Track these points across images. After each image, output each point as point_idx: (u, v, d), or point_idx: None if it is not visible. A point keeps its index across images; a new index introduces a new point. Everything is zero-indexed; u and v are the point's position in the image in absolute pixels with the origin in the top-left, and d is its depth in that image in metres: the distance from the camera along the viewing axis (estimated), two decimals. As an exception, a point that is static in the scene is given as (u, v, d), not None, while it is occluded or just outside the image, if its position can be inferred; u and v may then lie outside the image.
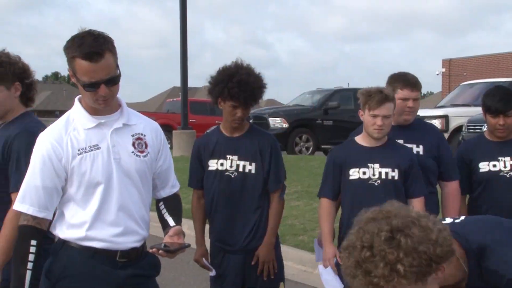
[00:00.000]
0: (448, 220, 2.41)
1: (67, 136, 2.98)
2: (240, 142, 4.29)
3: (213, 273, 4.35)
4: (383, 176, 4.27)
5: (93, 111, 3.03)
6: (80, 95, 3.09)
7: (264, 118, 18.93)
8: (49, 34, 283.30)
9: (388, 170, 4.28)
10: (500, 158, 4.60)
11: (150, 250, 3.06)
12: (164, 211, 3.30)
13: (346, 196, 4.39)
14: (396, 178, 4.27)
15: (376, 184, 4.27)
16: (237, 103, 4.12)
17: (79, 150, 2.97)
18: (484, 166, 4.63)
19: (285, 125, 19.09)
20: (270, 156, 4.30)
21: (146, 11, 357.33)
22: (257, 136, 4.37)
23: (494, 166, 4.61)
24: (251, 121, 4.30)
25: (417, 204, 4.23)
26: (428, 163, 4.50)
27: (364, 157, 4.33)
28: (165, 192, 3.36)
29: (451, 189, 4.60)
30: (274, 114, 19.72)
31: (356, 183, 4.31)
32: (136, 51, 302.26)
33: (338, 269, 4.22)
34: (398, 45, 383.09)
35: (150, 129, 3.24)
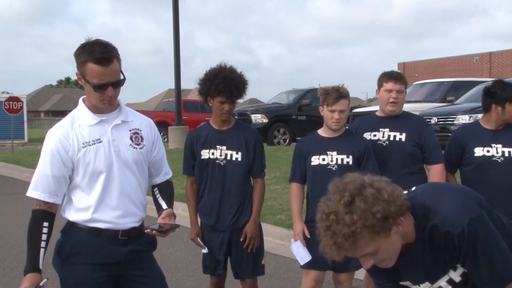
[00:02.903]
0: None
1: (73, 132, 3.01)
2: (227, 134, 4.27)
3: (205, 250, 4.34)
4: (339, 162, 4.30)
5: (96, 110, 3.06)
6: (83, 96, 3.11)
7: (247, 115, 19.07)
8: (59, 43, 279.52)
9: (344, 156, 4.31)
10: (493, 145, 4.54)
11: (145, 231, 3.06)
12: (158, 195, 3.32)
13: (309, 179, 4.42)
14: (350, 163, 4.30)
15: (333, 169, 4.30)
16: (224, 98, 4.11)
17: (83, 144, 3.00)
18: (479, 151, 4.56)
19: (265, 120, 19.26)
20: (254, 147, 4.30)
21: (144, 22, 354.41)
22: (242, 129, 4.36)
23: (488, 151, 4.54)
24: (236, 117, 4.27)
25: None
26: (409, 149, 4.48)
27: (323, 146, 4.35)
28: (159, 179, 3.38)
29: (435, 171, 4.55)
30: (255, 111, 19.87)
31: (316, 168, 4.34)
32: (136, 58, 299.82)
33: (307, 242, 4.31)
34: (362, 50, 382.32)
35: (145, 124, 3.26)
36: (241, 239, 4.26)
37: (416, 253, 2.27)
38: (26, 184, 11.32)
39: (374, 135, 4.60)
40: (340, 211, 2.07)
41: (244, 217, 4.29)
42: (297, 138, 18.63)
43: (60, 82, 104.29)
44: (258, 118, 19.19)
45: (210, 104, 4.25)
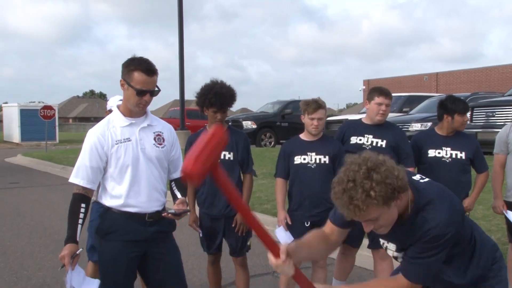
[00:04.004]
0: (417, 177, 2.43)
1: (108, 131, 3.08)
2: None
3: (201, 234, 4.33)
4: (318, 161, 4.29)
5: (128, 114, 3.13)
6: (118, 104, 3.20)
7: (239, 121, 19.01)
8: (84, 61, 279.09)
9: (321, 156, 4.29)
10: (443, 148, 4.60)
11: (163, 215, 3.13)
12: (174, 187, 3.37)
13: (291, 175, 4.39)
14: (327, 162, 4.28)
15: (312, 167, 4.28)
16: (216, 108, 4.09)
17: (116, 141, 3.07)
18: (432, 152, 4.62)
19: (254, 126, 19.23)
20: (243, 148, 4.27)
21: (154, 44, 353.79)
22: (234, 134, 4.31)
23: (439, 153, 4.60)
24: (230, 123, 4.24)
25: None
26: (387, 154, 4.43)
27: (304, 148, 4.33)
28: (176, 175, 3.40)
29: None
30: (246, 119, 19.89)
31: (298, 166, 4.32)
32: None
33: (288, 227, 4.30)
34: (334, 69, 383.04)
35: (166, 129, 3.32)
36: (233, 225, 4.23)
37: (402, 227, 2.30)
38: (58, 177, 11.55)
39: (360, 139, 4.56)
40: (358, 180, 2.08)
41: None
42: (281, 141, 18.67)
43: (85, 93, 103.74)
44: (248, 124, 19.18)
45: (206, 113, 4.23)
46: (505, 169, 4.87)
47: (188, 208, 3.27)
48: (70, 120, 78.71)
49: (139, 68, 2.98)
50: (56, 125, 32.13)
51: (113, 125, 3.09)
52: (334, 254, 4.71)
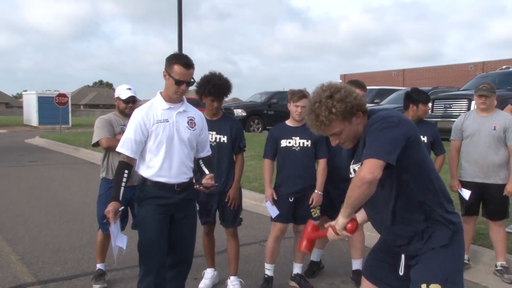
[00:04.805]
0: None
1: (151, 112, 3.19)
2: (217, 123, 4.22)
3: (197, 207, 4.26)
4: (301, 145, 4.28)
5: (168, 99, 3.24)
6: (161, 90, 3.28)
7: (230, 109, 18.85)
8: (94, 55, 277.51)
9: (304, 140, 4.28)
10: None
11: (195, 187, 3.30)
12: (202, 165, 3.48)
13: (278, 157, 4.38)
14: (309, 146, 4.27)
15: (296, 150, 4.28)
16: (213, 97, 4.10)
17: (157, 121, 3.19)
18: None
19: (244, 114, 19.09)
20: (236, 132, 4.26)
21: (156, 40, 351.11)
22: (228, 120, 4.32)
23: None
24: (223, 111, 4.20)
25: (322, 162, 4.28)
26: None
27: (290, 133, 4.32)
28: (203, 154, 3.51)
29: None
30: (237, 107, 19.74)
31: (284, 149, 4.31)
32: (150, 66, 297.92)
33: (275, 202, 4.29)
34: (314, 64, 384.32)
35: (198, 115, 3.41)
36: (226, 200, 4.23)
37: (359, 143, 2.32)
38: (71, 157, 11.48)
39: None
40: (323, 100, 2.19)
41: (229, 184, 4.25)
42: (267, 127, 18.65)
43: (95, 83, 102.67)
44: (238, 112, 19.06)
45: (204, 101, 4.21)
46: (460, 153, 4.95)
47: (216, 183, 3.40)
48: (81, 107, 77.98)
49: (178, 62, 3.10)
50: (69, 111, 32.03)
51: (156, 107, 3.21)
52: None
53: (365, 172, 2.09)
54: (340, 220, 2.27)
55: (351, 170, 2.41)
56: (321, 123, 2.18)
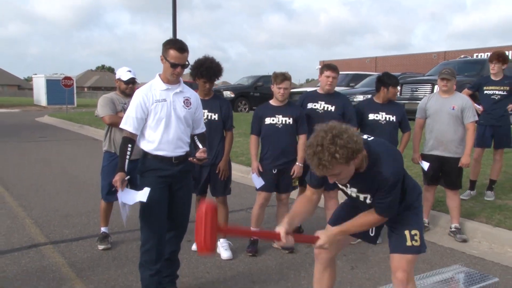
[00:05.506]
0: (365, 136, 2.43)
1: (150, 92, 3.15)
2: (209, 102, 4.17)
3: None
4: (284, 122, 4.27)
5: (166, 81, 3.19)
6: (159, 73, 3.22)
7: (220, 91, 18.66)
8: (96, 41, 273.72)
9: (286, 118, 4.27)
10: (380, 113, 4.65)
11: (189, 159, 3.26)
12: (197, 140, 3.42)
13: (262, 133, 4.37)
14: (291, 123, 4.27)
15: (279, 127, 4.28)
16: (206, 79, 4.06)
17: (155, 101, 3.14)
18: (371, 116, 4.64)
19: (232, 95, 19.01)
20: (226, 110, 4.23)
21: (152, 29, 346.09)
22: (218, 99, 4.29)
23: (376, 117, 4.62)
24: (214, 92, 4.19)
25: (302, 137, 4.27)
26: (336, 117, 4.29)
27: (273, 111, 4.31)
28: (198, 131, 3.44)
29: None
30: (226, 89, 19.63)
31: (268, 126, 4.30)
32: (148, 53, 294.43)
33: (260, 174, 4.31)
34: (297, 51, 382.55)
35: (193, 96, 3.35)
36: (217, 172, 4.23)
37: (360, 177, 2.33)
38: (76, 134, 11.39)
39: (314, 105, 4.54)
40: (325, 145, 2.09)
41: (219, 157, 4.24)
42: (253, 107, 18.62)
43: (97, 68, 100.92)
44: (227, 94, 18.89)
45: (197, 82, 4.17)
46: (423, 130, 5.02)
47: (208, 156, 3.37)
48: (85, 89, 76.77)
49: (173, 47, 3.06)
50: (74, 92, 31.75)
51: (154, 88, 3.17)
52: (294, 195, 4.78)
53: (377, 221, 2.43)
54: (333, 237, 2.43)
55: (354, 195, 2.51)
56: (324, 166, 2.10)
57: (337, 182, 2.41)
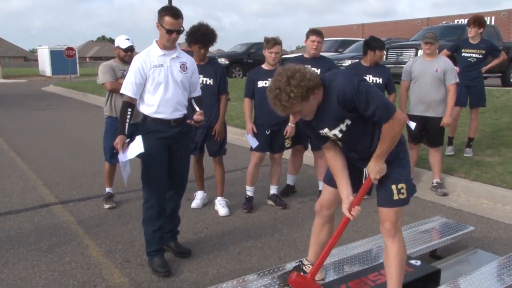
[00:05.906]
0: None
1: (148, 58, 3.06)
2: (204, 67, 4.08)
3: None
4: None
5: (162, 47, 3.09)
6: (156, 39, 3.12)
7: (215, 58, 18.25)
8: (96, 14, 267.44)
9: None
10: (367, 76, 4.55)
11: (187, 122, 3.21)
12: (194, 103, 3.36)
13: (256, 96, 4.32)
14: None
15: None
16: (201, 45, 3.97)
17: (153, 66, 3.06)
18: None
19: (227, 62, 18.63)
20: (221, 75, 4.16)
21: (149, 1, 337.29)
22: (213, 64, 4.21)
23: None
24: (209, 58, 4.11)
25: None
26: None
27: (265, 75, 4.23)
28: (195, 94, 3.37)
29: None
30: (220, 56, 19.22)
31: (260, 89, 4.23)
32: (145, 23, 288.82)
33: (255, 135, 4.28)
34: (288, 19, 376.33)
35: (189, 60, 3.26)
36: (213, 133, 4.19)
37: (321, 110, 2.26)
38: (80, 101, 11.28)
39: None
40: (282, 87, 2.10)
41: (215, 120, 4.20)
42: (247, 73, 18.39)
43: (98, 38, 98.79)
44: (222, 61, 18.46)
45: (192, 48, 4.08)
46: (409, 92, 4.97)
47: (204, 119, 3.32)
48: (87, 59, 75.45)
49: (168, 13, 2.98)
50: (77, 62, 31.60)
51: (152, 54, 3.09)
52: (286, 155, 4.78)
53: (396, 124, 2.21)
54: (378, 167, 2.33)
55: (331, 135, 2.37)
56: (284, 106, 2.11)
57: (304, 119, 2.32)
